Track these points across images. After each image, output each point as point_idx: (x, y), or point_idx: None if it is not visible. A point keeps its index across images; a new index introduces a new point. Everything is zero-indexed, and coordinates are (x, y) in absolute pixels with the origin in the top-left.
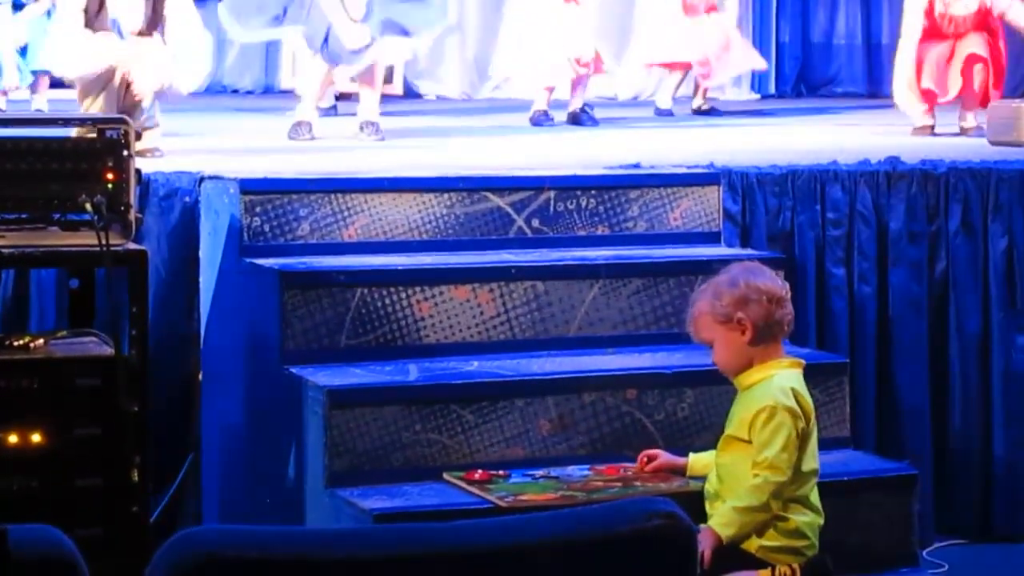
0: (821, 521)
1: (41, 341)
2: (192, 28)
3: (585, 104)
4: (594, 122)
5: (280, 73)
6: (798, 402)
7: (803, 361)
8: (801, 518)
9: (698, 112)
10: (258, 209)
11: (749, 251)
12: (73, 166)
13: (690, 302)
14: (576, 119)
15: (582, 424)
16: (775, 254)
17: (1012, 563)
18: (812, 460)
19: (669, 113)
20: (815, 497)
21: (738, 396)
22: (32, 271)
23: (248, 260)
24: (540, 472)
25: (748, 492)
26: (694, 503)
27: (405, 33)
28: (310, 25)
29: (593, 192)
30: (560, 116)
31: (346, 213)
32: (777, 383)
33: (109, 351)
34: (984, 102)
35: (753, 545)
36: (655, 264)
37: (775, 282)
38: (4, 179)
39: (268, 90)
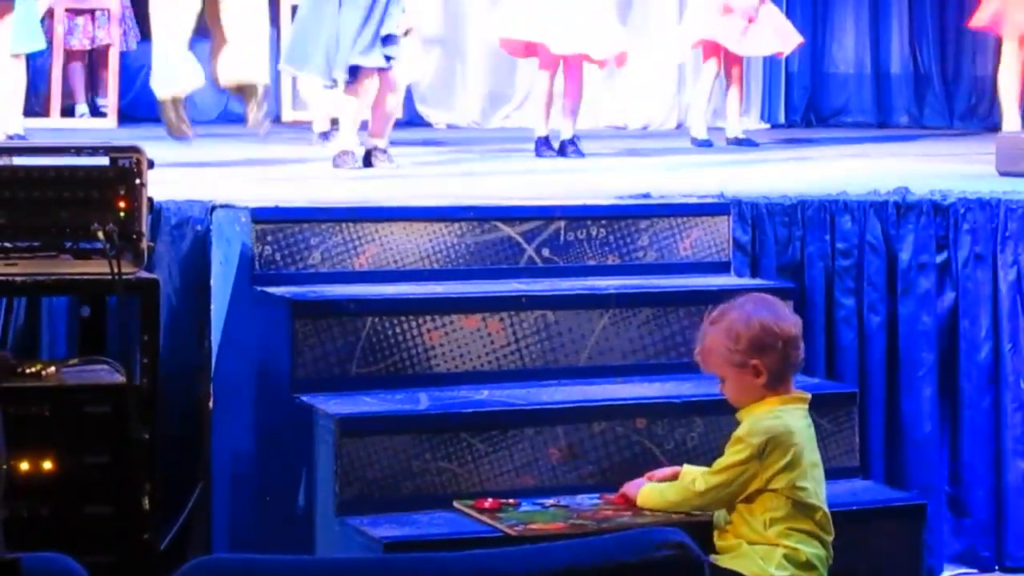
0: (830, 557)
1: (52, 368)
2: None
3: (575, 136)
4: (579, 154)
5: (282, 107)
6: (786, 440)
7: (808, 395)
8: (811, 550)
9: (735, 143)
10: (269, 238)
11: (759, 281)
12: (85, 194)
13: (700, 330)
14: (562, 150)
15: (592, 453)
16: (785, 284)
17: None
18: (814, 496)
19: (708, 144)
20: (827, 533)
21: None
22: (44, 299)
23: (259, 288)
24: (550, 501)
25: (679, 490)
26: (703, 533)
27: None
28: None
29: (603, 222)
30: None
31: (357, 242)
32: (764, 422)
33: (120, 379)
34: None
35: None
36: (665, 294)
37: (788, 320)
38: (17, 207)
39: (279, 120)
